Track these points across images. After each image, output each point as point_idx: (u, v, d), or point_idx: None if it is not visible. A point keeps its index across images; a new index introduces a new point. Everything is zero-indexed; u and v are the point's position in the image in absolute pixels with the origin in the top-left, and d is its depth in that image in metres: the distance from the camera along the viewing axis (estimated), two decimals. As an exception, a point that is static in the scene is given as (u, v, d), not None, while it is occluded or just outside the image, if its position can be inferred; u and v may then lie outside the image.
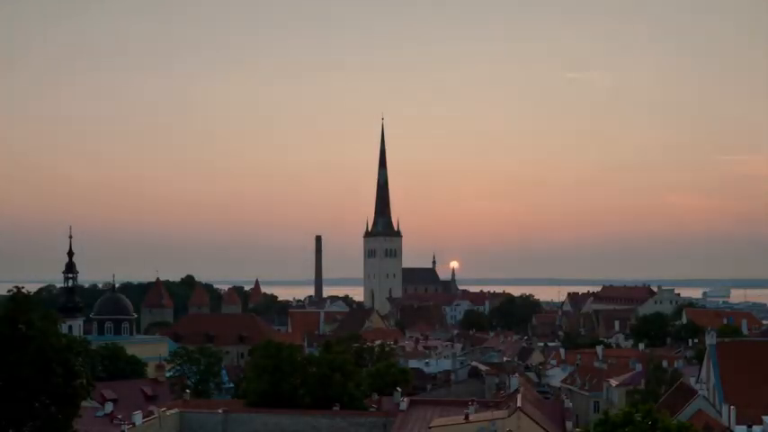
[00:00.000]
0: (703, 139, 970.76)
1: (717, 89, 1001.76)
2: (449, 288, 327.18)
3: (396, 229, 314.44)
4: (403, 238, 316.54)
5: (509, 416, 52.48)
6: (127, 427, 55.81)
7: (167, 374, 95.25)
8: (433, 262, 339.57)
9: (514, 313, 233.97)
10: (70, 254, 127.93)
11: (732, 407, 57.30)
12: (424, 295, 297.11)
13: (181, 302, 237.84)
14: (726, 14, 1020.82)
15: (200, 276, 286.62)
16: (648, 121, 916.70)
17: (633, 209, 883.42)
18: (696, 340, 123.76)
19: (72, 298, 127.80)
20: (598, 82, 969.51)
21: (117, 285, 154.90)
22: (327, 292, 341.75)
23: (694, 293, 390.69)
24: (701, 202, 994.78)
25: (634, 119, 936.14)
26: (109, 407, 64.52)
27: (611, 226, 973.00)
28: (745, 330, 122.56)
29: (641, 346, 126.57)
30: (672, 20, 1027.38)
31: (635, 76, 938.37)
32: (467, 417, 54.48)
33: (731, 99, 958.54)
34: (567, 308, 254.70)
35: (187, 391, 79.53)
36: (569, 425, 59.99)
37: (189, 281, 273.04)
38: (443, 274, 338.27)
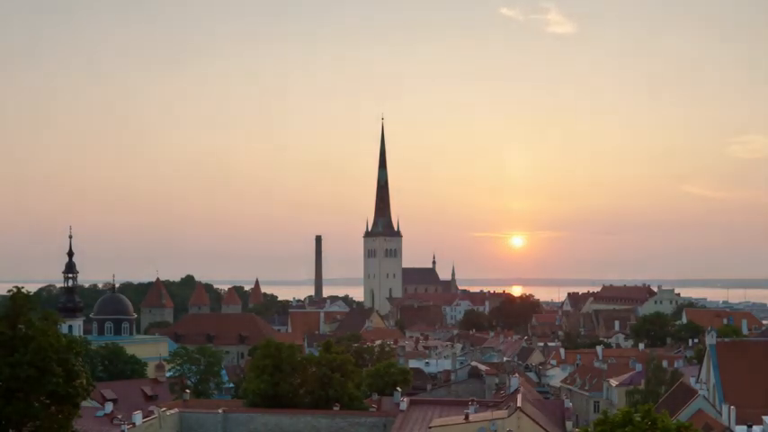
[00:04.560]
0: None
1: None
2: (449, 288, 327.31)
3: (396, 229, 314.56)
4: (403, 238, 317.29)
5: (509, 416, 52.47)
6: (127, 427, 55.80)
7: (167, 374, 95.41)
8: (433, 262, 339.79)
9: (514, 313, 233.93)
10: (70, 254, 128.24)
11: (732, 407, 57.29)
12: (424, 295, 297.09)
13: (181, 302, 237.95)
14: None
15: (200, 276, 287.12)
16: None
17: (633, 206, 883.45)
18: (696, 340, 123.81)
19: (72, 298, 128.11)
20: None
21: (117, 285, 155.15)
22: (327, 292, 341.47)
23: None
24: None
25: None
26: (109, 407, 64.48)
27: (611, 225, 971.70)
28: (745, 330, 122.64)
29: (641, 346, 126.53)
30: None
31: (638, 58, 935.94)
32: (467, 417, 54.44)
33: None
34: (567, 308, 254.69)
35: (187, 391, 79.62)
36: (569, 425, 59.97)
37: (189, 281, 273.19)
38: (444, 275, 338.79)
